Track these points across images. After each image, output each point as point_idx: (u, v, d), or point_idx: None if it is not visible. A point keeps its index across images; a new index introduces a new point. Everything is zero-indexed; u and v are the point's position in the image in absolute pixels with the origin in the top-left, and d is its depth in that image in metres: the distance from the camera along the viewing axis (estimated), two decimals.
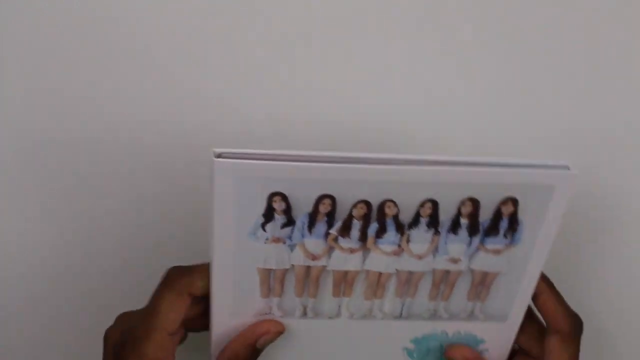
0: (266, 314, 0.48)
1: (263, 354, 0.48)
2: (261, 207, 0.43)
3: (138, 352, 0.44)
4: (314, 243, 0.45)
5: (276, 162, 0.41)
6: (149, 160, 0.48)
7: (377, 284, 0.48)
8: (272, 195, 0.42)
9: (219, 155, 0.41)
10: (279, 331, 0.48)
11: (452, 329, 0.51)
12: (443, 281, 0.48)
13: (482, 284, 0.48)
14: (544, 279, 0.49)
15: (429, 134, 0.48)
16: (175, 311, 0.45)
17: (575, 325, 0.49)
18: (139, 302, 0.46)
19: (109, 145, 0.47)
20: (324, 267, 0.46)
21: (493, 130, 0.49)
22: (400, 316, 0.50)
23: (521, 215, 0.45)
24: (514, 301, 0.49)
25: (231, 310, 0.48)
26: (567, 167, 0.43)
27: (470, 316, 0.50)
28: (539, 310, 0.50)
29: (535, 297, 0.50)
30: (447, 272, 0.48)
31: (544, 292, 0.49)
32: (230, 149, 0.41)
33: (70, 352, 0.55)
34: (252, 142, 0.44)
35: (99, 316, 0.48)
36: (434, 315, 0.50)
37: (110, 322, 0.47)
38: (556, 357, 0.49)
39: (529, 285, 0.48)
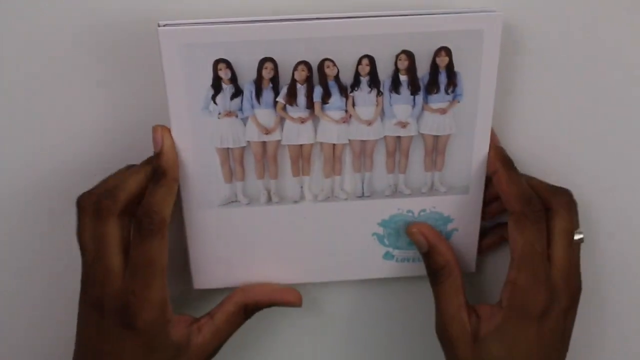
0: (233, 202, 0.50)
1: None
2: (209, 78, 0.46)
3: None
4: (265, 113, 0.48)
5: (217, 25, 0.44)
6: None
7: (332, 157, 0.50)
8: (217, 62, 0.45)
9: (163, 26, 0.44)
10: (298, 304, 0.52)
11: (417, 207, 0.52)
12: (397, 150, 0.50)
13: (435, 149, 0.50)
14: (500, 157, 0.50)
15: None
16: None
17: (528, 206, 0.47)
18: None
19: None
20: (278, 142, 0.49)
21: None
22: (362, 195, 0.51)
23: (457, 67, 0.47)
24: (471, 169, 0.50)
25: (199, 200, 0.50)
26: (493, 11, 0.46)
27: (431, 190, 0.51)
28: (496, 189, 0.50)
29: (491, 176, 0.50)
30: (399, 139, 0.49)
31: (497, 170, 0.49)
32: (173, 21, 0.45)
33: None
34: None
35: None
36: (395, 192, 0.51)
37: None
38: (511, 241, 0.49)
39: (482, 149, 0.50)
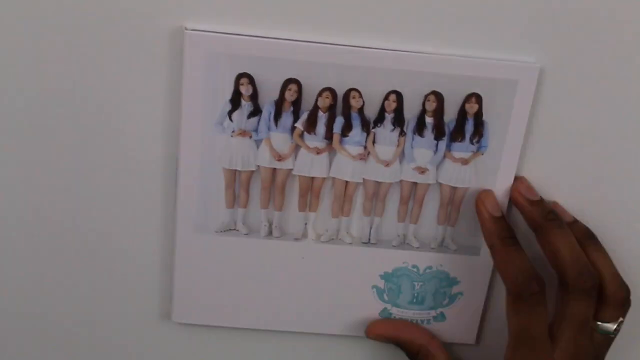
0: (230, 229, 0.47)
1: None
2: (229, 91, 0.44)
3: None
4: (280, 138, 0.45)
5: (246, 37, 0.42)
6: None
7: (343, 196, 0.47)
8: (240, 76, 0.43)
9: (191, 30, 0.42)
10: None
11: (423, 263, 0.49)
12: (411, 197, 0.47)
13: (451, 202, 0.48)
14: (497, 230, 0.46)
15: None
16: None
17: (525, 288, 0.44)
18: None
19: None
20: (290, 171, 0.46)
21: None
22: (368, 242, 0.48)
23: (486, 116, 0.45)
24: None
25: (195, 223, 0.46)
26: (531, 62, 0.45)
27: (441, 246, 0.49)
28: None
29: (489, 250, 0.47)
30: (415, 185, 0.47)
31: (494, 245, 0.46)
32: (200, 25, 0.43)
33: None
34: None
35: None
36: (403, 243, 0.48)
37: None
38: (507, 319, 0.46)
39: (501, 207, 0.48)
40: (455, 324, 0.51)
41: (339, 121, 0.45)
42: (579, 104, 0.46)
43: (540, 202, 0.46)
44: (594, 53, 0.45)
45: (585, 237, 0.47)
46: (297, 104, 0.44)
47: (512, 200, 0.47)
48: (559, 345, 0.45)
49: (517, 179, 0.47)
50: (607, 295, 0.46)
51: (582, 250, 0.45)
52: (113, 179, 0.46)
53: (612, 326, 0.46)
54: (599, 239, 0.47)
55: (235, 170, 0.45)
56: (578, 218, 0.48)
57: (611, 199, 0.49)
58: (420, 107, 0.45)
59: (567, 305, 0.45)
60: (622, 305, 0.46)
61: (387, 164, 0.46)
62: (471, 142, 0.46)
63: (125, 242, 0.48)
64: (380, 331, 0.50)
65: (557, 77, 0.45)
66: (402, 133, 0.45)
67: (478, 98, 0.45)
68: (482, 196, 0.47)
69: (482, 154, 0.46)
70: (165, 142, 0.45)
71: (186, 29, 0.42)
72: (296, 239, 0.48)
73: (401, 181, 0.47)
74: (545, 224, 0.45)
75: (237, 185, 0.46)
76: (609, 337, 0.46)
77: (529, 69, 0.44)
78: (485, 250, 0.48)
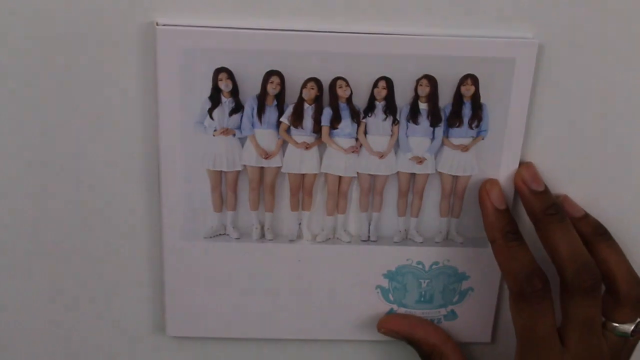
0: (220, 234, 0.45)
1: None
2: (207, 88, 0.41)
3: None
4: (266, 135, 0.43)
5: (222, 29, 0.40)
6: None
7: (337, 192, 0.44)
8: (218, 72, 0.41)
9: (162, 26, 0.40)
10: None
11: (428, 259, 0.46)
12: (410, 189, 0.44)
13: (453, 192, 0.45)
14: (499, 225, 0.43)
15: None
16: None
17: (528, 285, 0.41)
18: None
19: None
20: (278, 169, 0.43)
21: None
22: (368, 239, 0.45)
23: (484, 99, 0.42)
24: None
25: (182, 230, 0.44)
26: (529, 38, 0.41)
27: (446, 240, 0.46)
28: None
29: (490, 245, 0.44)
30: (413, 176, 0.44)
31: (496, 241, 0.43)
32: (173, 21, 0.40)
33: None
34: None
35: None
36: (405, 239, 0.46)
37: None
38: (512, 320, 0.43)
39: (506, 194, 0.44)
40: (468, 321, 0.48)
41: (327, 113, 0.42)
42: (582, 81, 0.43)
43: (543, 194, 0.43)
44: (596, 25, 0.42)
45: (597, 233, 0.44)
46: (280, 98, 0.42)
47: (516, 188, 0.44)
48: (568, 349, 0.42)
49: (523, 165, 0.44)
50: (621, 295, 0.43)
51: (583, 247, 0.42)
52: (91, 188, 0.44)
53: (629, 327, 0.43)
54: (613, 234, 0.44)
55: (221, 171, 0.43)
56: (589, 210, 0.45)
57: (627, 187, 0.45)
58: (412, 93, 0.42)
59: (569, 305, 0.42)
60: (639, 304, 0.43)
61: (382, 156, 0.43)
62: (470, 127, 0.43)
63: (111, 256, 0.46)
64: (392, 326, 0.47)
65: (557, 53, 0.42)
66: (395, 121, 0.43)
67: (474, 80, 0.42)
68: (487, 186, 0.43)
69: (483, 139, 0.43)
70: (145, 145, 0.43)
71: (157, 24, 0.40)
72: (291, 241, 0.45)
73: (398, 173, 0.44)
74: (543, 218, 0.42)
75: (224, 187, 0.43)
76: (628, 339, 0.43)
77: (526, 45, 0.41)
78: None
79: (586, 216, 0.44)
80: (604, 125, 0.44)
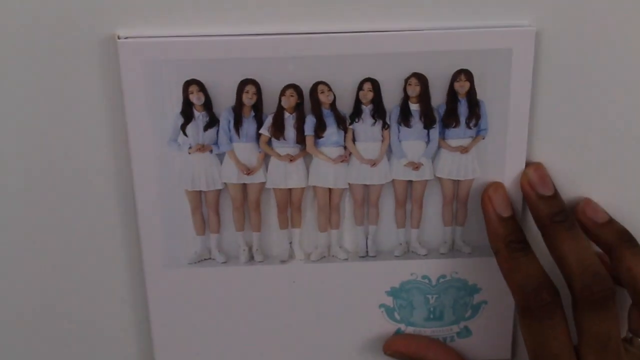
0: (205, 259, 0.41)
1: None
2: (178, 102, 0.38)
3: None
4: (245, 149, 0.39)
5: (188, 38, 0.37)
6: None
7: (329, 206, 0.41)
8: (188, 84, 0.38)
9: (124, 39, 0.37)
10: None
11: (434, 272, 0.42)
12: (408, 198, 0.41)
13: (455, 198, 0.41)
14: (502, 234, 0.39)
15: None
16: None
17: (534, 299, 0.38)
18: None
19: None
20: (262, 184, 0.40)
21: None
22: (366, 255, 0.42)
23: (481, 95, 0.39)
24: None
25: (164, 256, 0.41)
26: (525, 26, 0.38)
27: (452, 250, 0.42)
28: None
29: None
30: (410, 184, 0.40)
31: (499, 251, 0.39)
32: (136, 33, 0.37)
33: None
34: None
35: None
36: (407, 252, 0.42)
37: None
38: (523, 337, 0.40)
39: (513, 196, 0.41)
40: (484, 338, 0.44)
41: (310, 121, 0.39)
42: (589, 69, 0.39)
43: (552, 199, 0.39)
44: (597, 7, 0.38)
45: (622, 240, 0.40)
46: (258, 108, 0.38)
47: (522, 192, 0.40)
48: None
49: (531, 165, 0.40)
50: None
51: (595, 256, 0.38)
52: (64, 219, 0.41)
53: None
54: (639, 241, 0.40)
55: (200, 191, 0.40)
56: (612, 215, 0.40)
57: None
58: (401, 94, 0.39)
59: (581, 320, 0.38)
60: None
61: (374, 164, 0.40)
62: (468, 126, 0.39)
63: (92, 290, 0.43)
64: (400, 347, 0.43)
65: (557, 40, 0.38)
66: (386, 125, 0.39)
67: (468, 75, 0.38)
68: (489, 192, 0.40)
69: (483, 138, 0.39)
70: (117, 169, 0.40)
71: (119, 37, 0.37)
72: (282, 262, 0.42)
73: (393, 181, 0.40)
74: (550, 225, 0.38)
75: (205, 207, 0.40)
76: None
77: (523, 34, 0.37)
78: None
79: (610, 221, 0.40)
80: (624, 117, 0.40)
